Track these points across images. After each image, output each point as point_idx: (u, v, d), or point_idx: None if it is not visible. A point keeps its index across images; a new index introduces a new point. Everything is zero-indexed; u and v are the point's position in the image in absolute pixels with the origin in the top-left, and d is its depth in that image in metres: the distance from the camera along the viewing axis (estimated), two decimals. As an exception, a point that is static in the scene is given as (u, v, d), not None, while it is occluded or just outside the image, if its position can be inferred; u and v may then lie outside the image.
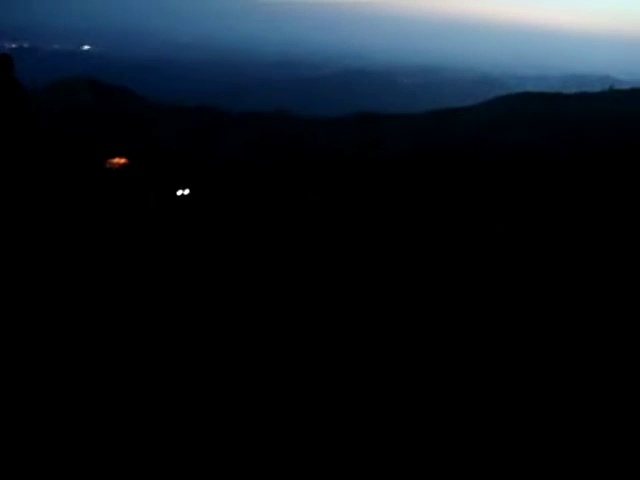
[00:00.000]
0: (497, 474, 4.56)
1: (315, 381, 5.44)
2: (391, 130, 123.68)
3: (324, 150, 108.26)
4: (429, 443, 4.74)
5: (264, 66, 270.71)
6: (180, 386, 4.97)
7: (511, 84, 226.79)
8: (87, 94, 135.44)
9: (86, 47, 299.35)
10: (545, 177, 57.04)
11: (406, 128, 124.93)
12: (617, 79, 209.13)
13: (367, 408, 5.06)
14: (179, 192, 34.98)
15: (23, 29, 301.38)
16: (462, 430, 4.97)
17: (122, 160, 58.10)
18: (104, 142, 66.31)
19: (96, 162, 46.88)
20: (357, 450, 4.51)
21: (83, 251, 8.45)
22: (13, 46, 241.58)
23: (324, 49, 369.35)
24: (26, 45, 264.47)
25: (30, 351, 5.34)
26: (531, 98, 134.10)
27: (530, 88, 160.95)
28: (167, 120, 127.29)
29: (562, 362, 6.24)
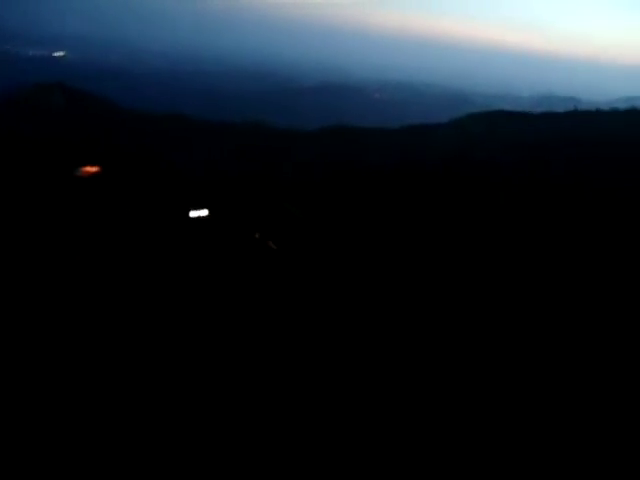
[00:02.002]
0: (497, 472, 4.46)
1: (315, 381, 5.33)
2: (367, 144, 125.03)
3: (302, 162, 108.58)
4: (429, 442, 4.65)
5: (238, 77, 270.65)
6: (180, 386, 4.80)
7: (480, 101, 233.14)
8: (58, 98, 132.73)
9: (60, 53, 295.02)
10: (516, 195, 58.67)
11: (382, 142, 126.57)
12: (581, 101, 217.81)
13: (367, 408, 4.97)
14: (193, 213, 35.37)
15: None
16: (462, 429, 4.88)
17: (94, 168, 56.83)
18: (74, 147, 64.69)
19: (68, 170, 45.57)
20: (357, 449, 4.41)
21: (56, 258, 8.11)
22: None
23: (298, 62, 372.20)
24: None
25: (31, 352, 5.13)
26: (502, 116, 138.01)
27: (499, 106, 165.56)
28: (139, 126, 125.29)
29: (560, 360, 6.22)
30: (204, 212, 36.92)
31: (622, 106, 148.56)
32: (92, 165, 58.01)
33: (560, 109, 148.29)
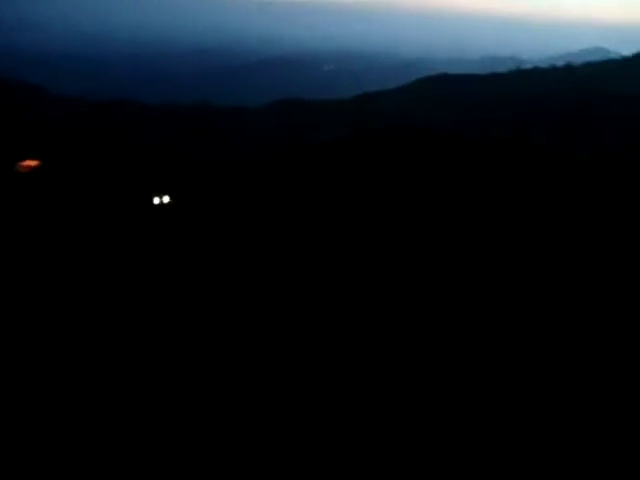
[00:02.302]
0: (496, 472, 4.46)
1: (315, 380, 5.42)
2: (319, 116, 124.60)
3: (252, 138, 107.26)
4: (428, 442, 4.67)
5: (180, 57, 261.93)
6: (181, 386, 5.03)
7: (429, 67, 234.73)
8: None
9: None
10: (468, 157, 60.37)
11: (333, 113, 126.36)
12: (524, 60, 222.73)
13: (367, 407, 5.04)
14: (156, 200, 33.57)
15: None
16: (462, 428, 4.90)
17: (33, 162, 54.66)
18: (7, 139, 61.86)
19: (6, 165, 43.73)
20: (357, 449, 4.49)
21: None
22: None
23: (242, 38, 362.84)
24: None
25: (32, 352, 5.26)
26: (449, 80, 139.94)
27: (447, 70, 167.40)
28: (80, 115, 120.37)
29: (558, 359, 6.22)
30: (166, 198, 35.37)
31: (559, 63, 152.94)
32: (32, 159, 55.80)
33: (503, 69, 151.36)
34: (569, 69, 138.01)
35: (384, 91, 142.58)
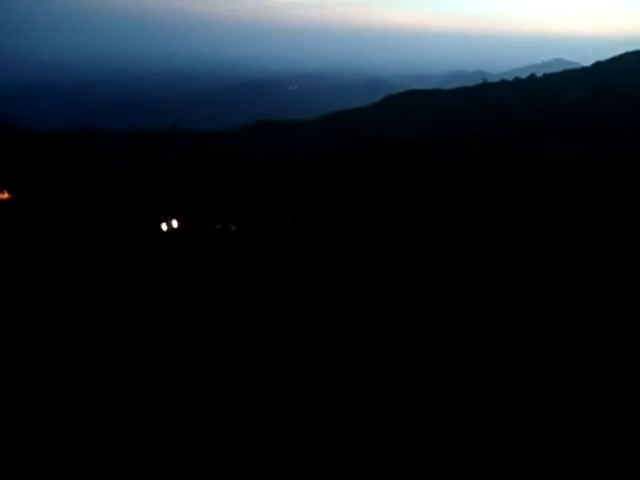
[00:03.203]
0: (497, 473, 4.36)
1: (315, 380, 5.19)
2: (290, 137, 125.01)
3: (228, 161, 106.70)
4: (428, 442, 4.56)
5: (147, 81, 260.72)
6: (181, 386, 4.61)
7: (396, 83, 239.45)
8: None
9: None
10: (432, 170, 61.25)
11: (305, 133, 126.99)
12: (488, 74, 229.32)
13: (367, 407, 4.86)
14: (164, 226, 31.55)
15: None
16: (462, 428, 4.79)
17: (4, 195, 52.89)
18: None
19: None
20: (356, 449, 4.31)
21: None
22: None
23: (208, 61, 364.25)
24: None
25: (33, 353, 4.77)
26: (416, 96, 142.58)
27: (414, 86, 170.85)
28: (45, 146, 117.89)
29: (557, 359, 6.09)
30: (174, 223, 33.43)
31: (523, 75, 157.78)
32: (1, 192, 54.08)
33: (471, 83, 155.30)
34: (533, 81, 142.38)
35: (354, 109, 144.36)
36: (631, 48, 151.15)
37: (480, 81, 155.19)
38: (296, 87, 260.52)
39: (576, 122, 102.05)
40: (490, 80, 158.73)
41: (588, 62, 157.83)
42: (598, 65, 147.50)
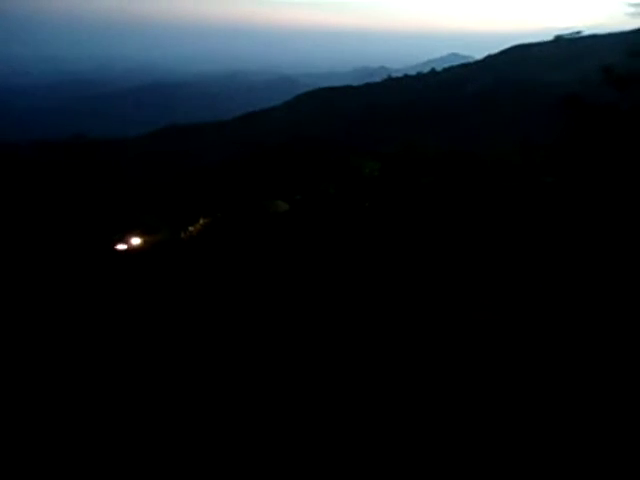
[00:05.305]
0: (497, 473, 4.28)
1: (315, 380, 5.14)
2: (204, 139, 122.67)
3: (134, 168, 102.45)
4: (429, 442, 4.57)
5: (42, 90, 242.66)
6: (181, 386, 4.74)
7: (306, 82, 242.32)
8: None
9: None
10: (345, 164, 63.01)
11: (218, 135, 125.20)
12: (391, 69, 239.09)
13: (367, 407, 4.83)
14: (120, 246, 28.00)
15: None
16: (462, 428, 4.77)
17: None
18: None
19: None
20: (356, 449, 4.30)
21: None
22: None
23: (111, 65, 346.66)
24: None
25: (33, 353, 4.77)
26: (326, 93, 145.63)
27: (323, 84, 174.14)
28: None
29: (556, 359, 6.21)
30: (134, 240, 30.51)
31: (424, 69, 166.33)
32: None
33: (376, 79, 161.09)
34: (434, 74, 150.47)
35: (267, 109, 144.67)
36: (515, 43, 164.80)
37: (385, 76, 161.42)
38: (208, 89, 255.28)
39: (478, 109, 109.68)
40: (394, 75, 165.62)
41: (480, 55, 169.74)
42: (489, 58, 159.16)
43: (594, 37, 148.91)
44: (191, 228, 34.92)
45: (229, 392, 5.43)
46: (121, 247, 29.30)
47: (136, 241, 28.97)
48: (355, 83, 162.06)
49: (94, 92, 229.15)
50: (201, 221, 36.41)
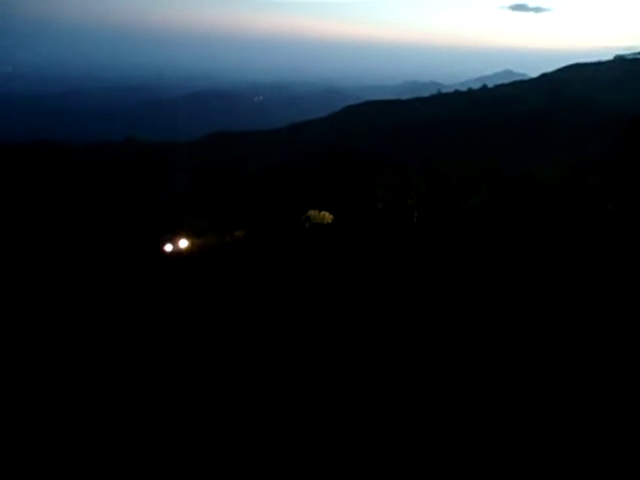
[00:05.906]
0: (497, 473, 4.25)
1: (315, 381, 5.16)
2: (252, 146, 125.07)
3: (186, 172, 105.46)
4: (429, 442, 4.53)
5: (104, 93, 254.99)
6: (181, 386, 4.81)
7: (356, 94, 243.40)
8: None
9: None
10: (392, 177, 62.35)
11: (266, 143, 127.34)
12: (442, 84, 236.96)
13: (367, 407, 4.84)
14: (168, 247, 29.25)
15: None
16: (462, 429, 4.82)
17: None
18: None
19: None
20: (356, 449, 4.30)
21: None
22: None
23: (167, 72, 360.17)
24: None
25: (33, 353, 4.97)
26: (372, 106, 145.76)
27: (371, 97, 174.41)
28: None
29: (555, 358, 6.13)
30: (182, 243, 31.10)
31: (475, 85, 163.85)
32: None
33: (425, 94, 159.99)
34: (485, 91, 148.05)
35: (315, 119, 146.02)
36: (572, 61, 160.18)
37: (435, 92, 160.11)
38: (258, 98, 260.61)
39: (529, 128, 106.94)
40: (444, 91, 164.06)
41: (535, 73, 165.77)
42: (544, 76, 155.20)
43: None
44: (237, 233, 35.47)
45: (242, 387, 5.39)
46: (168, 248, 30.00)
47: (183, 243, 29.46)
48: (404, 97, 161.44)
49: (149, 98, 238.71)
50: (246, 228, 37.01)
